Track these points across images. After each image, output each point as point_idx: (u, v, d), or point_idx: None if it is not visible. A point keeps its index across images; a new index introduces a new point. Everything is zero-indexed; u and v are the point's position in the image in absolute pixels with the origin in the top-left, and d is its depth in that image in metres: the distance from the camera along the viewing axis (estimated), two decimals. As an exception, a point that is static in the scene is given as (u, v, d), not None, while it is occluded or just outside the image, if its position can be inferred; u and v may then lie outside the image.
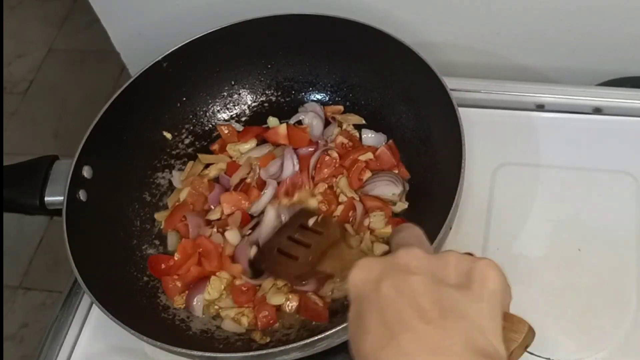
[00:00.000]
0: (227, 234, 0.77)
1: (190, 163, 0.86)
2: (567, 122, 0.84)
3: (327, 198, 0.78)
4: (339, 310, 0.72)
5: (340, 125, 0.85)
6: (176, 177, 0.85)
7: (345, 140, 0.82)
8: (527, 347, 0.46)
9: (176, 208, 0.82)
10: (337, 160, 0.81)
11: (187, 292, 0.76)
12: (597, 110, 0.84)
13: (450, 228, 0.69)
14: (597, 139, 0.82)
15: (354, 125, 0.85)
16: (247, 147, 0.85)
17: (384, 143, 0.82)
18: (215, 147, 0.86)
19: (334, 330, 0.61)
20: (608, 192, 0.77)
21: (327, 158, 0.80)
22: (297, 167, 0.80)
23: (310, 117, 0.85)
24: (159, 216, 0.82)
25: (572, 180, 0.79)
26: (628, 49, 0.88)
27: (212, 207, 0.81)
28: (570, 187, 0.79)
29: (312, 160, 0.81)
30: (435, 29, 0.91)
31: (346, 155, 0.81)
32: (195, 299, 0.75)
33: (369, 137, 0.83)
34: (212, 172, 0.84)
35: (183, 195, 0.82)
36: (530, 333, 0.46)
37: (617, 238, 0.74)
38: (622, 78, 0.89)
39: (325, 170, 0.80)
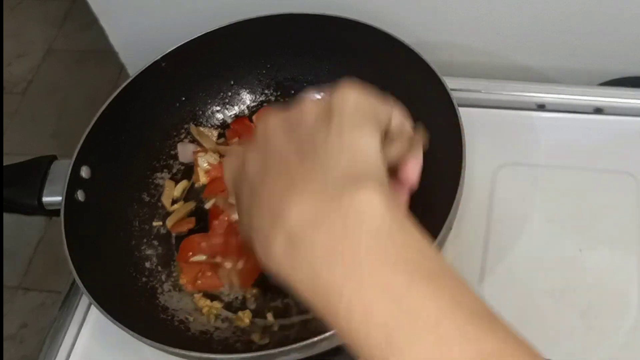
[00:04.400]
0: None
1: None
2: (567, 122, 0.84)
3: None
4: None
5: None
6: (189, 148, 0.85)
7: None
8: (416, 145, 0.44)
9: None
10: None
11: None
12: (598, 110, 0.84)
13: (451, 228, 0.69)
14: (598, 139, 0.82)
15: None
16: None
17: None
18: (235, 140, 0.86)
19: (333, 331, 0.61)
20: (609, 192, 0.77)
21: None
22: None
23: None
24: (170, 222, 0.82)
25: (572, 180, 0.79)
26: (629, 49, 0.87)
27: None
28: (571, 187, 0.78)
29: None
30: (435, 29, 0.91)
31: None
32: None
33: None
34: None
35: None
36: (420, 136, 0.44)
37: (619, 239, 0.74)
38: (624, 78, 0.89)
39: None
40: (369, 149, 0.39)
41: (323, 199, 0.36)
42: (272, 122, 0.42)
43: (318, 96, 0.43)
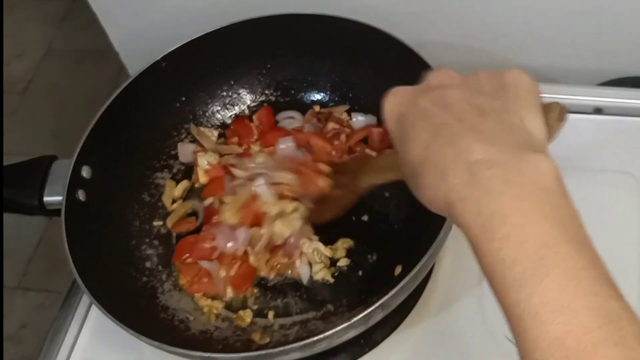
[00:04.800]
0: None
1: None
2: (567, 122, 0.84)
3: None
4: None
5: (327, 117, 0.85)
6: (189, 148, 0.86)
7: (337, 126, 0.83)
8: (563, 120, 0.52)
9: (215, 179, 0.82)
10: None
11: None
12: (598, 111, 0.84)
13: (450, 228, 0.69)
14: (598, 139, 0.82)
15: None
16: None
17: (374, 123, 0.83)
18: (235, 139, 0.86)
19: (333, 330, 0.61)
20: (609, 192, 0.77)
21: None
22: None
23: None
24: (170, 221, 0.82)
25: (572, 181, 0.78)
26: (629, 49, 0.88)
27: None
28: (570, 187, 0.78)
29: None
30: (435, 29, 0.91)
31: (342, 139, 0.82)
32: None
33: (359, 120, 0.84)
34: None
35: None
36: (563, 108, 0.52)
37: (618, 238, 0.74)
38: (623, 78, 0.89)
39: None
40: (540, 129, 0.47)
41: (505, 149, 0.43)
42: (449, 77, 0.49)
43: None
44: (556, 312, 0.38)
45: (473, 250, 0.43)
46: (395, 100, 0.50)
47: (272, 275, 0.76)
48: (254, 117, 0.88)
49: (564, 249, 0.40)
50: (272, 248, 0.76)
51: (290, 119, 0.87)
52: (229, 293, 0.76)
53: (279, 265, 0.76)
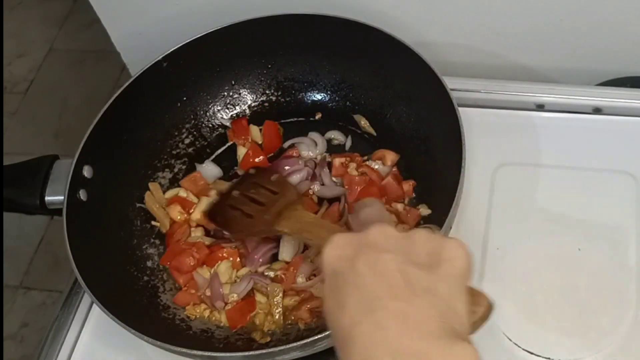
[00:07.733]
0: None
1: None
2: (567, 122, 0.84)
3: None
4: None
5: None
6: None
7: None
8: (485, 319, 0.48)
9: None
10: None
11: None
12: (597, 110, 0.84)
13: (450, 228, 0.69)
14: (597, 139, 0.82)
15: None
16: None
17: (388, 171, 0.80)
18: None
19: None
20: (608, 191, 0.77)
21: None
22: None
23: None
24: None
25: (572, 180, 0.79)
26: (628, 49, 0.88)
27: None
28: (570, 187, 0.79)
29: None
30: (435, 29, 0.91)
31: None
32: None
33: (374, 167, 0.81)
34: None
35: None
36: (489, 307, 0.49)
37: (617, 238, 0.74)
38: (622, 78, 0.89)
39: None
40: (464, 315, 0.46)
41: (431, 338, 0.43)
42: (387, 236, 0.48)
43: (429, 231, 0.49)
44: None
45: None
46: (334, 252, 0.49)
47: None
48: (262, 130, 0.87)
49: None
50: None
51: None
52: (223, 321, 0.74)
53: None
